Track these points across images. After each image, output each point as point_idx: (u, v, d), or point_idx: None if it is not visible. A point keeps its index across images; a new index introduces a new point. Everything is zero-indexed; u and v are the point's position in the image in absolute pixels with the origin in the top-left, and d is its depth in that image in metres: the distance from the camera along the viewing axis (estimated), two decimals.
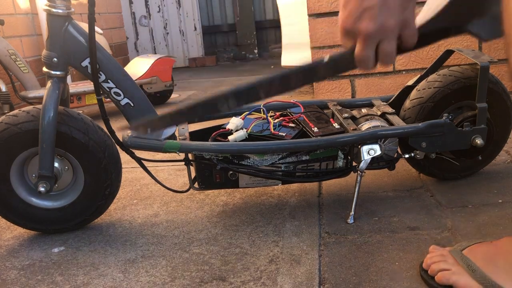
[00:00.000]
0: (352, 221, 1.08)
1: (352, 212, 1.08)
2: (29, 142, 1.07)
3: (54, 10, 1.03)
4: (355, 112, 1.21)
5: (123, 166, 1.17)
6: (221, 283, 0.89)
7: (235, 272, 0.92)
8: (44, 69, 1.07)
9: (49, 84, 1.06)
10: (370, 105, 1.31)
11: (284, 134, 1.13)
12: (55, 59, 1.05)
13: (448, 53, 1.27)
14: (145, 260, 1.00)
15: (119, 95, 1.08)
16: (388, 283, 0.84)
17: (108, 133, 1.11)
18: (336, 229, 1.06)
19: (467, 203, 1.12)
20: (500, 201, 1.12)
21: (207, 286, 0.89)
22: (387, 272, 0.88)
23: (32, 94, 2.37)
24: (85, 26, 1.05)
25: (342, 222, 1.08)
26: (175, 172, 1.55)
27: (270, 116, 1.21)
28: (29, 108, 1.09)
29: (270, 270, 0.92)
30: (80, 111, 1.15)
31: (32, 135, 1.05)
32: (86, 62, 1.06)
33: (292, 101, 1.29)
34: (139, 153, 1.15)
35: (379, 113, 1.20)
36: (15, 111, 1.09)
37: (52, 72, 1.06)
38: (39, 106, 1.08)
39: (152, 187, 1.42)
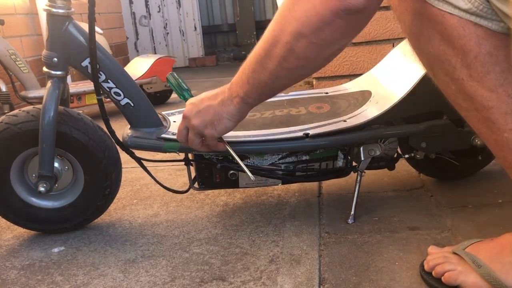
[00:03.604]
0: (352, 221, 1.08)
1: (352, 212, 1.08)
2: (29, 142, 1.06)
3: (54, 10, 1.03)
4: None
5: (123, 166, 1.17)
6: (221, 283, 0.89)
7: (235, 272, 0.92)
8: (44, 69, 1.07)
9: (49, 84, 1.06)
10: None
11: None
12: (55, 59, 1.05)
13: None
14: (145, 260, 1.00)
15: (119, 95, 1.08)
16: (388, 283, 0.84)
17: (108, 133, 1.11)
18: (336, 229, 1.06)
19: (467, 203, 1.12)
20: (500, 201, 1.12)
21: (207, 286, 0.89)
22: (387, 272, 0.88)
23: (32, 94, 2.37)
24: (85, 26, 1.05)
25: (342, 222, 1.08)
26: (175, 172, 1.55)
27: None
28: (29, 108, 1.09)
29: (270, 270, 0.92)
30: (80, 111, 1.15)
31: (32, 135, 1.05)
32: (86, 62, 1.06)
33: None
34: (139, 153, 1.15)
35: None
36: (15, 111, 1.09)
37: (52, 72, 1.06)
38: (39, 106, 1.08)
39: (152, 187, 1.42)
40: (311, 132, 1.04)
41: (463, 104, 0.68)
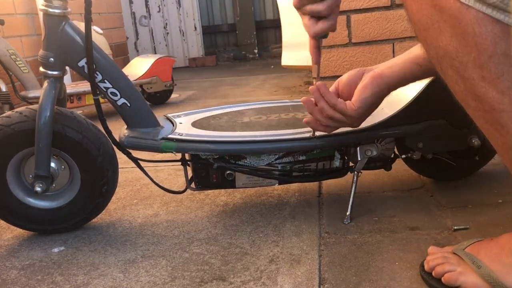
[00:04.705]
0: (348, 221, 1.07)
1: (348, 212, 1.08)
2: (23, 143, 1.06)
3: (50, 10, 1.03)
4: None
5: (123, 166, 1.17)
6: (221, 283, 0.89)
7: (235, 272, 0.92)
8: (41, 69, 1.07)
9: (45, 84, 1.06)
10: None
11: None
12: (52, 59, 1.05)
13: None
14: (145, 260, 1.00)
15: (115, 95, 1.08)
16: (388, 283, 0.84)
17: (104, 132, 1.11)
18: (336, 229, 1.06)
19: (467, 203, 1.12)
20: (500, 201, 1.12)
21: (207, 286, 0.89)
22: (387, 272, 0.87)
23: (32, 94, 2.37)
24: (83, 26, 1.05)
25: (342, 222, 1.08)
26: (175, 172, 1.55)
27: None
28: (22, 108, 1.09)
29: (270, 270, 0.92)
30: (80, 111, 1.15)
31: (26, 135, 1.05)
32: (82, 62, 1.06)
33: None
34: (139, 153, 1.15)
35: None
36: (8, 113, 1.09)
37: (49, 72, 1.06)
38: (32, 106, 1.08)
39: (152, 187, 1.42)
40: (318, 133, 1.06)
41: (472, 104, 0.65)
